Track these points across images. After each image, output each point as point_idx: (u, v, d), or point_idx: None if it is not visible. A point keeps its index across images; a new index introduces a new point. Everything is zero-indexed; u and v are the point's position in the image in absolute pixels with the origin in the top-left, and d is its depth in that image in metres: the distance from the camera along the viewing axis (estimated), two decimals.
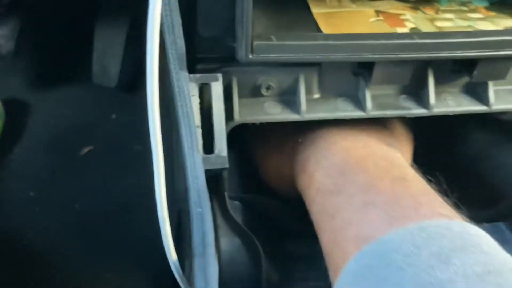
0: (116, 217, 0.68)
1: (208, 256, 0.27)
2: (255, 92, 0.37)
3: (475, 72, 0.37)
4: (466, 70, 0.38)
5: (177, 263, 0.29)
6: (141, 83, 0.82)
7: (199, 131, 0.33)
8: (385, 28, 0.36)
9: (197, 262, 0.27)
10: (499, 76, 0.38)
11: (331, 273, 0.31)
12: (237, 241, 0.38)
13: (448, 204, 0.30)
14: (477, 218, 0.47)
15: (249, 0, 0.31)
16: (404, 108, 0.38)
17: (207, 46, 0.35)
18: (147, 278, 0.63)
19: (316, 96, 0.38)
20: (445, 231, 0.26)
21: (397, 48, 0.34)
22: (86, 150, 0.75)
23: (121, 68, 0.76)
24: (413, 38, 0.34)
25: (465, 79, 0.39)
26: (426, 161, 0.38)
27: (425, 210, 0.28)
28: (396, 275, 0.24)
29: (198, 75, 0.34)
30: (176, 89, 0.33)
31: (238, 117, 0.36)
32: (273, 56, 0.33)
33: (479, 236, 0.27)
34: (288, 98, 0.38)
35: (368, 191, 0.31)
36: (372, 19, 0.37)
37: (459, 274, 0.23)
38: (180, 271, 0.29)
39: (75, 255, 0.64)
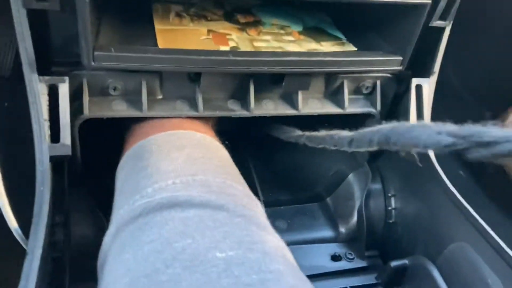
0: None
1: (40, 223, 0.34)
2: (104, 92, 0.44)
3: (283, 84, 0.46)
4: (278, 82, 0.47)
5: (19, 230, 0.36)
6: None
7: (46, 124, 0.40)
8: (211, 45, 0.45)
9: (32, 228, 0.34)
10: (303, 87, 0.48)
11: None
12: (85, 214, 0.46)
13: None
14: (301, 198, 0.59)
15: (86, 16, 0.37)
16: (230, 110, 0.47)
17: (60, 53, 0.41)
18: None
19: (159, 97, 0.46)
20: (189, 136, 0.41)
21: (216, 63, 0.42)
22: None
23: (15, 58, 0.79)
24: (228, 56, 0.43)
25: (281, 89, 0.49)
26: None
27: (187, 126, 0.44)
28: (148, 154, 0.38)
29: (47, 77, 0.40)
30: (28, 88, 0.39)
31: (87, 112, 0.43)
32: (112, 65, 0.40)
33: (212, 142, 0.42)
34: (134, 98, 0.45)
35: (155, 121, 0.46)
36: (203, 37, 0.45)
37: (183, 156, 0.37)
38: (22, 235, 0.36)
39: None
